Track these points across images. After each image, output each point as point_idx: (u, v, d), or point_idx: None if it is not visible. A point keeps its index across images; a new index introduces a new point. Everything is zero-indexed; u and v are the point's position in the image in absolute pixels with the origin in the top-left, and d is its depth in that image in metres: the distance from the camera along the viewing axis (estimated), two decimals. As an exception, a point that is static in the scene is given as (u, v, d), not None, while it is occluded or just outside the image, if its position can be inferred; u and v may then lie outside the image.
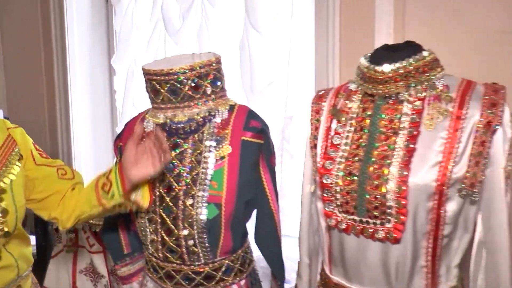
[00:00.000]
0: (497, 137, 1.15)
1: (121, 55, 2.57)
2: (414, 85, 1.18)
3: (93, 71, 2.84)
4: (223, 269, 1.55)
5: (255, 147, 1.53)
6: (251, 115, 1.56)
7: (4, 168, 1.33)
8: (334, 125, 1.28)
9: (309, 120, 1.35)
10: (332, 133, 1.27)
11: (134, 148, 1.34)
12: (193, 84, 1.47)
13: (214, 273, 1.54)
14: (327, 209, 1.23)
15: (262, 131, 1.53)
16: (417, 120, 1.17)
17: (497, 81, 1.22)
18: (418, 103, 1.18)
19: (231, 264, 1.56)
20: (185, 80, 1.46)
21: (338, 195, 1.20)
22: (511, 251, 1.17)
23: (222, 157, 1.49)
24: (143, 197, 1.39)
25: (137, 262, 1.75)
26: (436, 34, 1.63)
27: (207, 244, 1.49)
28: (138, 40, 2.51)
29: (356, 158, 1.20)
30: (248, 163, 1.51)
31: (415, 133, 1.15)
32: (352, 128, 1.24)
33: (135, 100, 2.60)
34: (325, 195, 1.22)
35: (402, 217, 1.13)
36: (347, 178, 1.19)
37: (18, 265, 1.35)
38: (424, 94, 1.19)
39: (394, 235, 1.14)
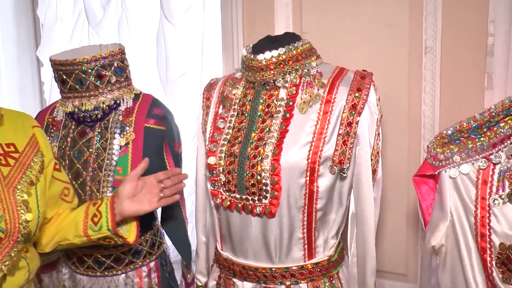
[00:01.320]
0: (363, 118, 1.26)
1: (46, 46, 2.57)
2: (289, 72, 1.28)
3: (21, 63, 2.82)
4: (131, 251, 1.60)
5: (158, 134, 1.59)
6: (155, 103, 1.63)
7: (29, 170, 1.24)
8: (220, 110, 1.36)
9: (201, 107, 1.43)
10: (218, 118, 1.35)
11: (134, 181, 1.31)
12: (97, 74, 1.52)
13: (123, 256, 1.60)
14: (212, 188, 1.31)
15: (164, 118, 1.60)
16: (291, 104, 1.26)
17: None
18: (293, 88, 1.28)
19: (140, 247, 1.62)
20: (89, 70, 1.51)
21: (221, 175, 1.29)
22: (375, 222, 1.29)
23: (127, 144, 1.54)
24: (129, 232, 1.35)
25: (55, 253, 1.78)
26: (331, 25, 1.74)
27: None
28: (63, 31, 2.52)
29: (237, 141, 1.28)
30: (151, 149, 1.57)
31: (288, 116, 1.25)
32: (235, 113, 1.33)
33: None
34: (210, 175, 1.31)
35: (276, 193, 1.22)
36: (229, 159, 1.28)
37: (29, 268, 1.26)
38: (299, 80, 1.29)
39: (270, 210, 1.24)
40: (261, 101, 1.29)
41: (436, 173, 1.23)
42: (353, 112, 1.24)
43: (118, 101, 1.56)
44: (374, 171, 1.30)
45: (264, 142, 1.24)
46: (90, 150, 1.55)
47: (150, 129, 1.56)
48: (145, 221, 1.60)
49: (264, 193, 1.24)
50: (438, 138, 1.25)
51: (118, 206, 1.30)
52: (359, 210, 1.31)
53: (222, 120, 1.33)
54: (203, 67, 2.07)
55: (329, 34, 1.69)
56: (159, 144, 1.59)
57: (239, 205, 1.28)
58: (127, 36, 2.22)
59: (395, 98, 1.68)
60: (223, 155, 1.28)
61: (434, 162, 1.21)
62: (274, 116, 1.27)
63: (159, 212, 1.71)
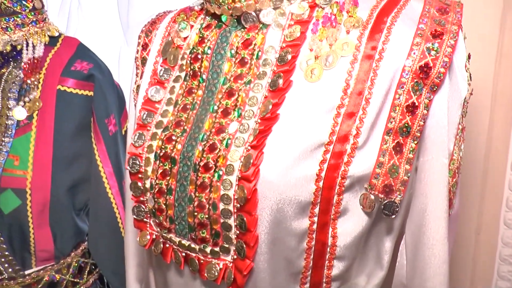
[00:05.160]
0: (441, 97, 0.59)
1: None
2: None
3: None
4: (42, 283, 1.04)
5: (80, 102, 0.99)
6: (80, 52, 1.02)
7: None
8: (159, 67, 0.71)
9: (134, 61, 0.78)
10: (154, 81, 0.70)
11: None
12: (-21, -2, 0.90)
13: (28, 290, 1.01)
14: (136, 217, 0.68)
15: (90, 77, 0.98)
16: (289, 60, 0.60)
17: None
18: (296, 29, 0.61)
19: (57, 275, 1.05)
20: (-34, -9, 0.90)
21: (148, 194, 0.64)
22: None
23: (29, 117, 0.95)
24: None
25: None
26: None
27: (6, 253, 0.96)
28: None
29: (179, 130, 0.63)
30: (69, 126, 1.00)
31: (282, 85, 0.59)
32: (182, 74, 0.67)
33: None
34: (132, 193, 0.67)
35: (246, 247, 0.58)
36: (163, 166, 0.63)
37: None
38: (308, 12, 0.62)
39: (234, 278, 0.59)
40: (230, 53, 0.63)
41: None
42: (422, 84, 0.57)
43: (18, 47, 0.99)
44: (450, 203, 0.64)
45: (228, 137, 0.59)
46: None
47: (67, 95, 0.99)
48: (64, 238, 1.03)
49: (224, 243, 0.60)
50: None
51: None
52: (418, 283, 0.65)
53: (158, 87, 0.68)
54: (179, 7, 1.39)
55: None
56: (82, 120, 1.01)
57: (180, 255, 0.64)
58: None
59: (474, 61, 0.97)
60: (152, 156, 0.64)
61: None
62: (253, 84, 0.61)
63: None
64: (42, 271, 1.05)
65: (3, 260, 1.00)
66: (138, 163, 0.66)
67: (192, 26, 0.70)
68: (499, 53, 1.03)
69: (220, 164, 0.58)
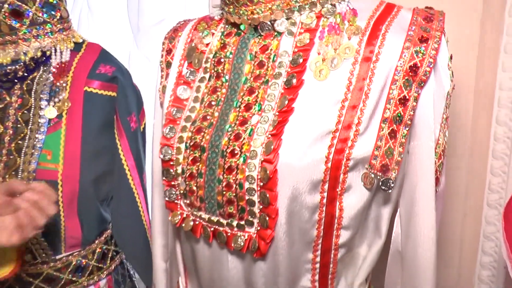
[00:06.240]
0: (427, 91, 0.71)
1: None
2: (299, 8, 0.72)
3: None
4: (70, 268, 1.14)
5: (105, 102, 1.09)
6: (103, 57, 1.12)
7: None
8: (185, 70, 0.82)
9: (159, 64, 0.89)
10: (181, 82, 0.81)
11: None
12: (12, 10, 1.01)
13: (58, 274, 1.14)
14: (168, 199, 0.79)
15: (114, 79, 1.09)
16: (301, 62, 0.71)
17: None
18: (305, 36, 0.73)
19: (84, 260, 1.15)
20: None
21: (180, 179, 0.76)
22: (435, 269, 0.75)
23: (59, 116, 1.05)
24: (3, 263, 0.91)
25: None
26: None
27: (40, 238, 1.06)
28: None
29: (206, 123, 0.75)
30: (95, 124, 1.11)
31: (296, 83, 0.71)
32: (207, 76, 0.79)
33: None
34: (164, 178, 0.78)
35: (269, 218, 0.69)
36: (193, 153, 0.74)
37: None
38: (315, 22, 0.73)
39: (258, 245, 0.71)
40: (250, 56, 0.75)
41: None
42: (411, 81, 0.69)
43: (48, 53, 1.09)
44: (436, 181, 0.76)
45: (250, 128, 0.70)
46: (6, 123, 1.08)
47: (93, 95, 1.09)
48: (90, 226, 1.14)
49: (249, 216, 0.71)
50: None
51: None
52: (411, 248, 0.77)
53: (185, 86, 0.79)
54: (186, 12, 1.51)
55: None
56: (107, 118, 1.12)
57: (208, 230, 0.76)
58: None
59: (456, 59, 1.09)
60: (183, 146, 0.75)
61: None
62: (270, 83, 0.72)
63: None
64: (70, 256, 1.14)
65: (38, 246, 1.10)
66: (170, 152, 0.77)
67: (213, 34, 0.81)
68: (480, 52, 1.16)
69: (244, 150, 0.70)
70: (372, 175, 0.71)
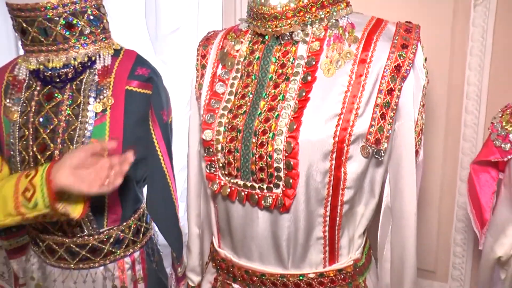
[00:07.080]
0: (408, 84, 0.96)
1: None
2: (311, 22, 0.96)
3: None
4: (111, 240, 1.34)
5: (142, 99, 1.30)
6: (139, 61, 1.33)
7: None
8: (219, 71, 1.05)
9: (195, 67, 1.12)
10: (217, 80, 1.04)
11: (88, 154, 1.08)
12: (66, 23, 1.21)
13: (101, 245, 1.34)
14: (208, 171, 1.02)
15: (150, 79, 1.30)
16: (314, 63, 0.95)
17: (419, 23, 1.01)
18: (316, 44, 0.97)
19: (121, 234, 1.35)
20: (56, 18, 1.22)
21: (220, 155, 0.99)
22: (417, 220, 1.00)
23: (104, 110, 1.26)
24: (75, 206, 1.13)
25: (25, 235, 1.51)
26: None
27: (89, 213, 1.27)
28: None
29: (241, 111, 0.98)
30: (134, 117, 1.30)
31: (310, 79, 0.94)
32: (238, 75, 1.02)
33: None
34: (206, 154, 1.01)
35: (292, 180, 0.93)
36: (231, 134, 0.97)
37: None
38: (323, 33, 0.97)
39: (283, 202, 0.94)
40: (274, 59, 0.98)
41: (505, 159, 0.92)
42: (396, 76, 0.93)
43: (93, 58, 1.30)
44: (416, 153, 1.00)
45: (277, 113, 0.94)
46: (59, 117, 1.27)
47: (133, 93, 1.28)
48: (128, 204, 1.33)
49: (276, 180, 0.94)
50: (508, 111, 0.94)
51: (54, 173, 1.07)
52: (397, 204, 1.01)
53: (221, 83, 1.02)
54: (199, 21, 1.73)
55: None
56: (143, 112, 1.32)
57: (242, 194, 0.99)
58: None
59: (434, 60, 1.36)
60: (222, 128, 0.98)
61: (503, 145, 0.91)
62: (291, 79, 0.96)
63: (144, 191, 1.42)
64: (111, 230, 1.34)
65: (86, 219, 1.30)
66: (211, 133, 1.00)
67: (241, 42, 1.05)
68: (451, 55, 1.42)
69: (273, 129, 0.93)
70: (368, 147, 0.95)
